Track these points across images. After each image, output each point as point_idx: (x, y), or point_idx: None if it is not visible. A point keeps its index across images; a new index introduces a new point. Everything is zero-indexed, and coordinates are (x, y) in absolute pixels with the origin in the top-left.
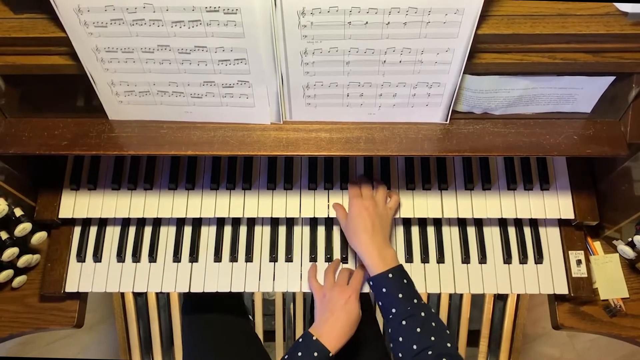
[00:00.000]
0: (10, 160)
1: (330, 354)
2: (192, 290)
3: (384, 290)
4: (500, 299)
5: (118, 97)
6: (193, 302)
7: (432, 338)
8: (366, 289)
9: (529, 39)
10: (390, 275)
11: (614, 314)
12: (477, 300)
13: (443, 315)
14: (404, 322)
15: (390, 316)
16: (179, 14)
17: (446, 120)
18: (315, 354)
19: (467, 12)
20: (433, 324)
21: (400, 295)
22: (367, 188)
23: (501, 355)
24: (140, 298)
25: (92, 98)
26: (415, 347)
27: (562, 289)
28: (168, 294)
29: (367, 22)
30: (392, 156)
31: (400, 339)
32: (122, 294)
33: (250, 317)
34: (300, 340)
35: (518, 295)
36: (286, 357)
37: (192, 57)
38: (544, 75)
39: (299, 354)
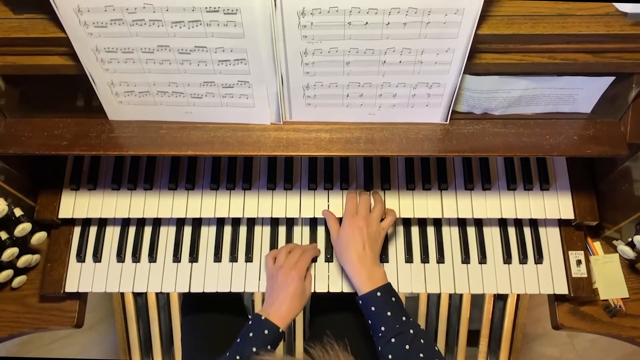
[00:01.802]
0: (10, 160)
1: (280, 330)
2: (192, 291)
3: (372, 308)
4: (500, 299)
5: (118, 98)
6: (193, 302)
7: (421, 355)
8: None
9: (529, 39)
10: (378, 293)
11: (614, 314)
12: (477, 300)
13: (443, 315)
14: (393, 340)
15: (380, 334)
16: (179, 14)
17: (446, 121)
18: (266, 331)
19: (467, 13)
20: (422, 340)
21: (388, 314)
22: (364, 206)
23: (501, 355)
24: (140, 298)
25: (92, 98)
26: None
27: (562, 289)
28: (168, 294)
29: (367, 23)
30: (392, 156)
31: (390, 356)
32: (122, 294)
33: (250, 317)
34: (250, 322)
35: (518, 295)
36: (238, 340)
37: (192, 57)
38: (543, 76)
39: (250, 334)
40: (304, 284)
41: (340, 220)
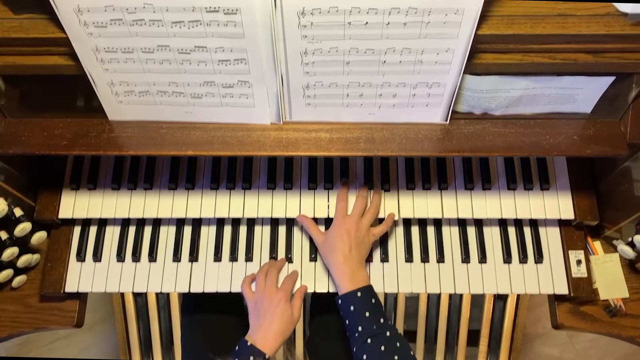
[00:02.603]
0: (10, 160)
1: (267, 356)
2: (192, 291)
3: (351, 308)
4: (500, 299)
5: (118, 97)
6: (193, 302)
7: (396, 357)
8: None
9: (529, 39)
10: (359, 294)
11: (614, 314)
12: (477, 300)
13: (443, 315)
14: (369, 341)
15: (356, 334)
16: (179, 14)
17: (446, 121)
18: (251, 357)
19: (467, 13)
20: (398, 344)
21: (367, 314)
22: (358, 208)
23: (501, 355)
24: (140, 298)
25: (92, 98)
26: None
27: (562, 289)
28: (168, 294)
29: (367, 22)
30: (392, 156)
31: (365, 357)
32: (122, 294)
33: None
34: (237, 348)
35: (518, 295)
36: None
37: (192, 57)
38: (544, 76)
39: None
40: (291, 306)
41: (315, 220)
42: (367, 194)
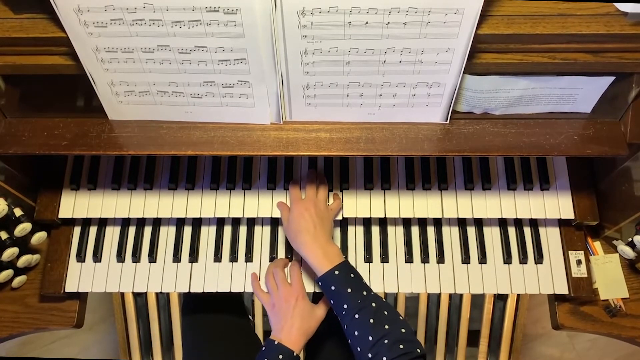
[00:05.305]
0: (10, 160)
1: (295, 353)
2: (192, 291)
3: (332, 288)
4: (500, 299)
5: (118, 97)
6: (193, 302)
7: (386, 326)
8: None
9: (529, 39)
10: (336, 272)
11: (614, 314)
12: (477, 300)
13: (443, 315)
14: (356, 316)
15: (343, 312)
16: (179, 14)
17: (446, 120)
18: (280, 356)
19: (467, 12)
20: (385, 312)
21: (349, 290)
22: (310, 189)
23: (501, 355)
24: (140, 298)
25: (92, 98)
26: (370, 338)
27: (562, 289)
28: (168, 294)
29: (367, 22)
30: (392, 156)
31: (356, 332)
32: (122, 294)
33: (250, 317)
34: (264, 348)
35: (518, 295)
36: None
37: (192, 57)
38: (544, 76)
39: None
40: (309, 303)
41: None
42: (314, 177)
